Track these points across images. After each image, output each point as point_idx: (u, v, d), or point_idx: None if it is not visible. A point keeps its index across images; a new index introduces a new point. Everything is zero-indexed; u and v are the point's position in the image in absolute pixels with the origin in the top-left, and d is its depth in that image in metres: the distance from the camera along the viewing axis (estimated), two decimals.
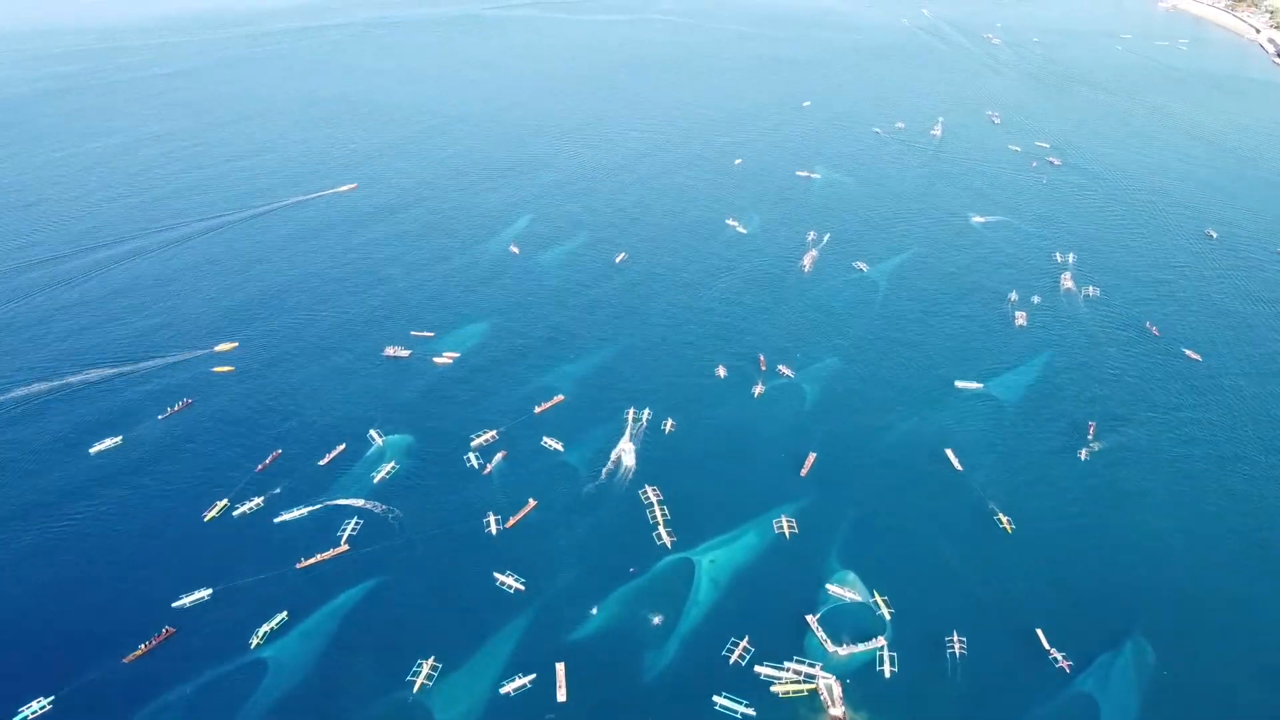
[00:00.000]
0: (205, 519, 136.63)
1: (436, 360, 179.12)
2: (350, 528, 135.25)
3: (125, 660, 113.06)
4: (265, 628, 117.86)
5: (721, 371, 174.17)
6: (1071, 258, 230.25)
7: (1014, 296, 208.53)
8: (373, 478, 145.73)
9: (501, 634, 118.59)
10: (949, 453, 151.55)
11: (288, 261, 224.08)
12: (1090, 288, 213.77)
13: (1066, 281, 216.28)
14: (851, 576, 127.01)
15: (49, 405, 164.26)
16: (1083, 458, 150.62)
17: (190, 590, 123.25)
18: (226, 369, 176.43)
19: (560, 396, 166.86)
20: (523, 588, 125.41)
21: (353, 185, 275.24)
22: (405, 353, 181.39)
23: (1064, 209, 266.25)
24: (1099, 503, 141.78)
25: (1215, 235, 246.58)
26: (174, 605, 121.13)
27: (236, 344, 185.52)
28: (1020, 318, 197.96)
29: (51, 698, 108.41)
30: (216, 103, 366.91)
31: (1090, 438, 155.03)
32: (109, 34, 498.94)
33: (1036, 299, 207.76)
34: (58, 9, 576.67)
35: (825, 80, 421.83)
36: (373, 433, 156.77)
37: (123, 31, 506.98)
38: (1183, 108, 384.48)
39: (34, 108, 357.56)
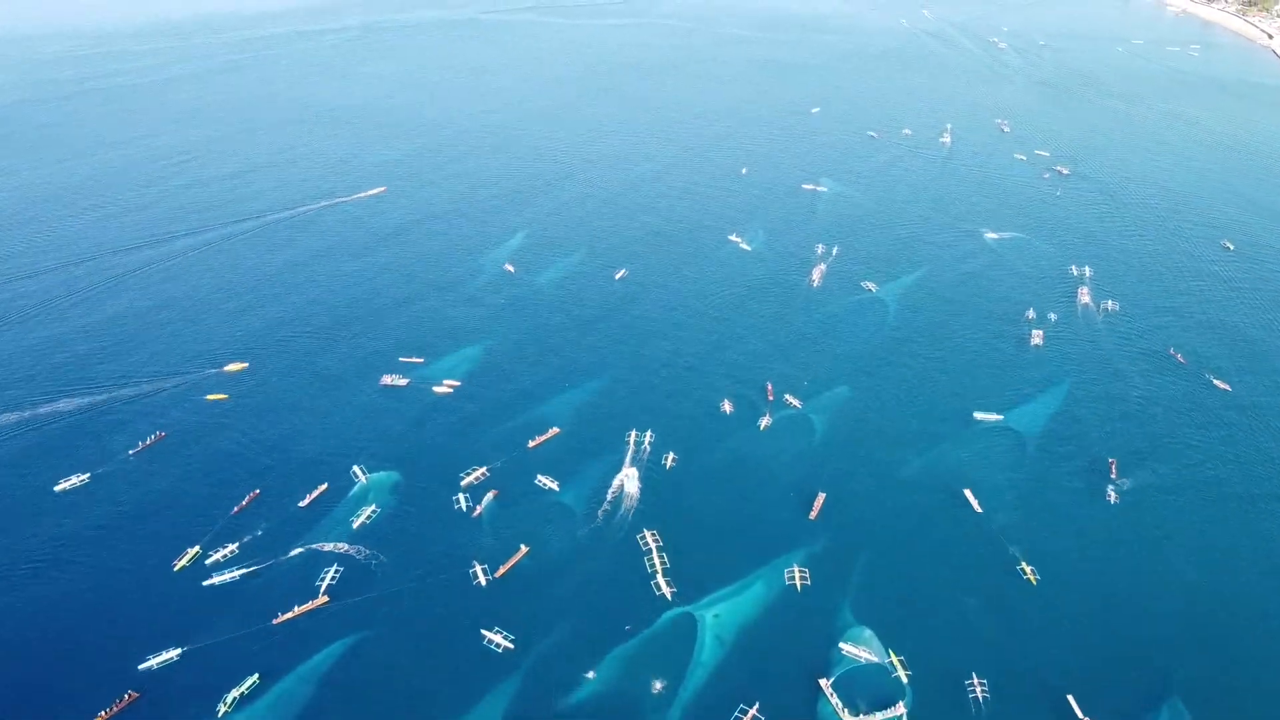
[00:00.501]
0: (175, 568, 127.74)
1: (436, 390, 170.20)
2: (330, 576, 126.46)
3: None
4: (235, 693, 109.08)
5: (727, 406, 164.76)
6: (1088, 271, 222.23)
7: (1031, 314, 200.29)
8: (355, 520, 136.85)
9: (488, 700, 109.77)
10: (967, 493, 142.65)
11: (281, 282, 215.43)
12: (1109, 302, 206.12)
13: (1084, 296, 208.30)
14: (867, 633, 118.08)
15: (13, 436, 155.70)
16: (1110, 499, 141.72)
17: (157, 651, 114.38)
18: (219, 397, 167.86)
19: (555, 429, 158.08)
20: (512, 646, 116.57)
21: (377, 189, 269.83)
22: (403, 381, 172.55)
23: (1077, 221, 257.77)
24: (1126, 549, 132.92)
25: (1232, 247, 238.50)
26: (140, 668, 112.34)
27: (247, 364, 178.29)
28: (1037, 337, 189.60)
29: None
30: (207, 113, 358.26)
31: (1115, 476, 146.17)
32: (103, 38, 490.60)
33: (1053, 316, 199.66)
34: (53, 11, 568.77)
35: (830, 86, 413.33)
36: (356, 470, 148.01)
37: (114, 36, 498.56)
38: (1194, 113, 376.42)
39: (23, 115, 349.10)
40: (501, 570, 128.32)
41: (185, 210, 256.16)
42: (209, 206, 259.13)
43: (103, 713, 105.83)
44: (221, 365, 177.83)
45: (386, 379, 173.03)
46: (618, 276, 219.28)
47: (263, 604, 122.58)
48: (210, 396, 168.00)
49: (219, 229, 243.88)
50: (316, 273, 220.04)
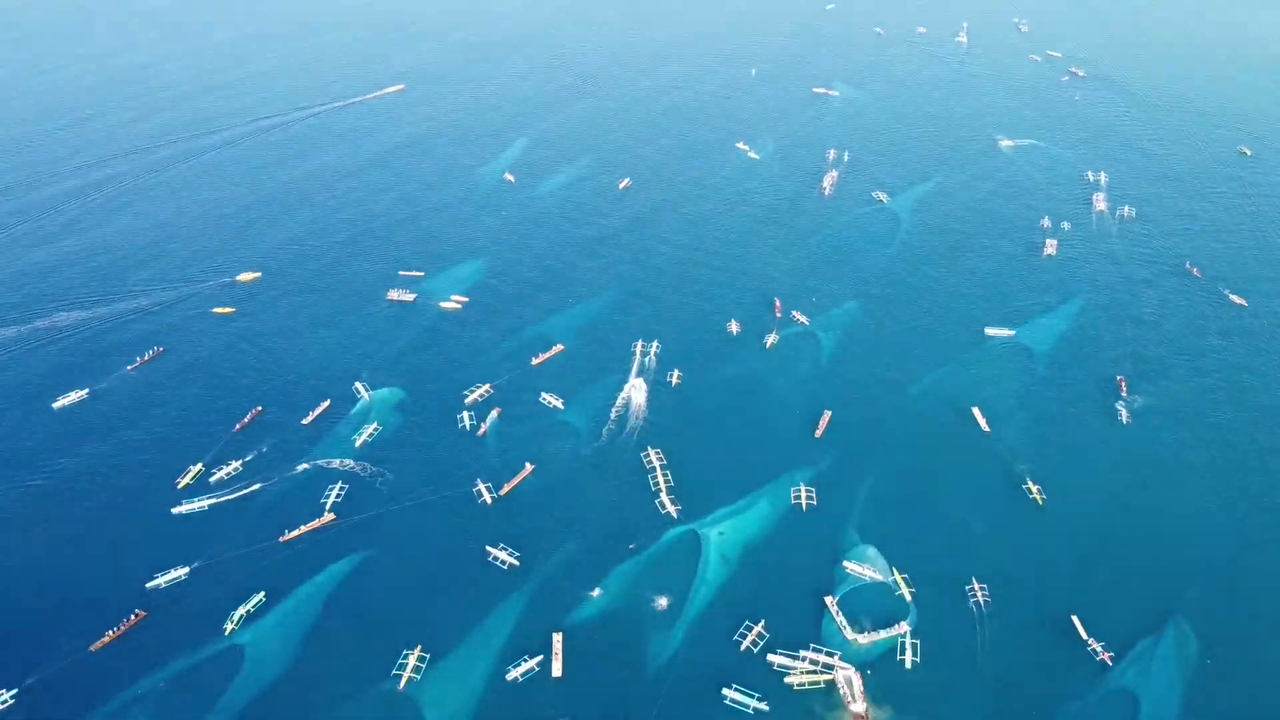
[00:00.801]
0: (178, 486, 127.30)
1: (444, 305, 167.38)
2: (335, 494, 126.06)
3: (92, 648, 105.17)
4: (241, 610, 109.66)
5: (734, 326, 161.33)
6: (1103, 177, 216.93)
7: (1045, 223, 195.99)
8: (358, 438, 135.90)
9: (494, 618, 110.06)
10: (975, 411, 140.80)
11: (291, 193, 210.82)
12: (1125, 208, 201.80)
13: (1099, 203, 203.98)
14: (871, 552, 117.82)
15: (9, 352, 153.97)
16: (1121, 418, 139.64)
17: (164, 569, 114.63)
18: (226, 310, 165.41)
19: (559, 346, 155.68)
20: (517, 563, 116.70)
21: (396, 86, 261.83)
22: (410, 296, 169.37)
23: (1095, 125, 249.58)
24: (1136, 469, 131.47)
25: (1249, 152, 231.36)
26: (148, 586, 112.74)
27: (259, 274, 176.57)
28: (1050, 247, 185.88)
29: (14, 691, 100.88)
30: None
31: (1125, 394, 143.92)
32: None
33: (1067, 225, 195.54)
34: None
35: None
36: (359, 386, 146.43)
37: None
38: (1217, 14, 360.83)
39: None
40: (506, 488, 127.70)
41: (206, 114, 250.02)
42: (226, 111, 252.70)
43: (111, 631, 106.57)
44: (234, 275, 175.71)
45: (393, 294, 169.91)
46: (621, 186, 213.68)
47: (268, 522, 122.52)
48: (217, 310, 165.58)
49: (238, 128, 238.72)
50: (324, 184, 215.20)
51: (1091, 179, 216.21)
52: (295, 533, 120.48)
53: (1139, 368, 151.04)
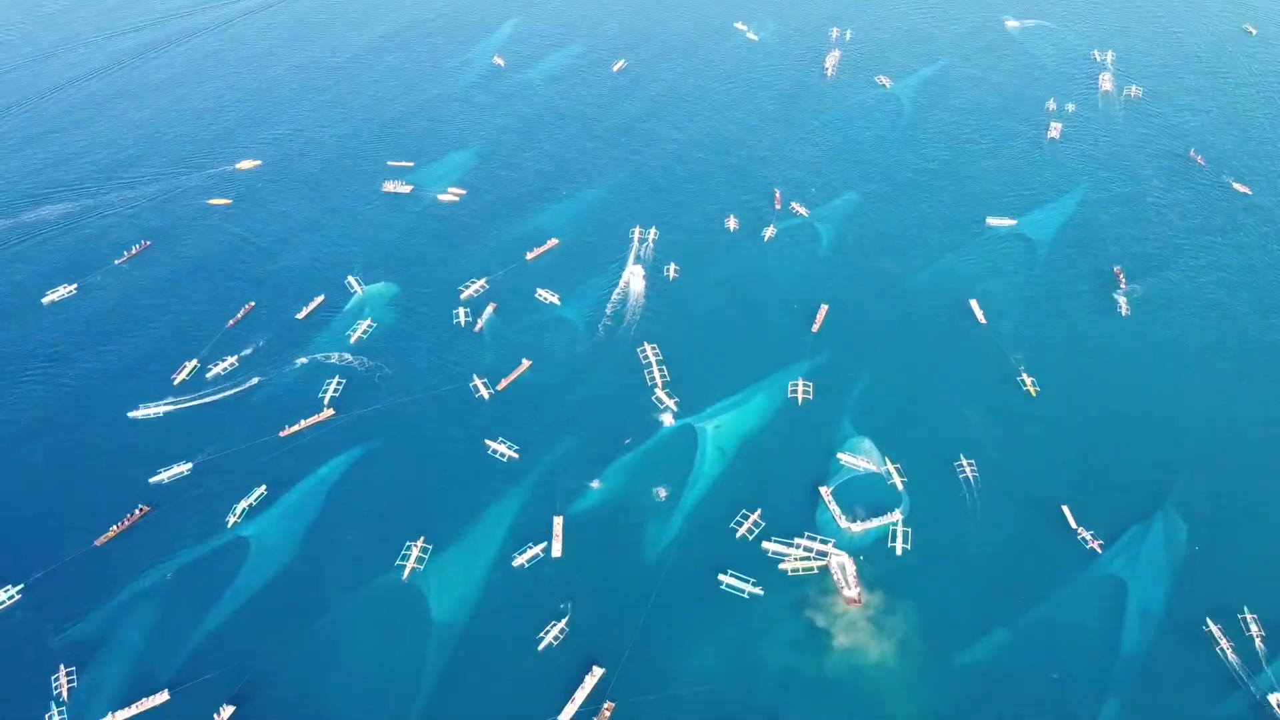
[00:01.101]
0: (175, 382, 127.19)
1: (441, 198, 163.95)
2: (332, 389, 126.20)
3: (97, 543, 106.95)
4: (243, 504, 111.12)
5: (732, 222, 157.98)
6: (1110, 56, 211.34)
7: (1051, 105, 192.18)
8: (354, 333, 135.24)
9: (494, 509, 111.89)
10: (973, 303, 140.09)
11: (278, 81, 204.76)
12: (1133, 87, 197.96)
13: (1105, 83, 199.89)
14: (866, 444, 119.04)
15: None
16: (1119, 309, 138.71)
17: (167, 464, 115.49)
18: (223, 201, 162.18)
19: (554, 240, 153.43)
20: (516, 456, 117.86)
21: None
22: (406, 188, 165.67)
23: (1101, 2, 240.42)
24: (1131, 361, 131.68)
25: (1255, 31, 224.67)
26: (150, 481, 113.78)
27: (260, 161, 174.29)
28: (1054, 129, 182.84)
29: (20, 586, 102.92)
30: None
31: (1124, 285, 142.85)
32: None
33: (1072, 107, 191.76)
34: None
35: None
36: (352, 280, 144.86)
37: None
38: None
39: None
40: (503, 384, 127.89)
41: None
42: None
43: (115, 526, 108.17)
44: (234, 163, 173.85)
45: (389, 185, 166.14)
46: (616, 68, 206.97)
47: (267, 416, 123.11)
48: (213, 201, 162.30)
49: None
50: (314, 75, 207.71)
51: (1098, 59, 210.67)
52: (295, 428, 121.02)
53: (1139, 258, 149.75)
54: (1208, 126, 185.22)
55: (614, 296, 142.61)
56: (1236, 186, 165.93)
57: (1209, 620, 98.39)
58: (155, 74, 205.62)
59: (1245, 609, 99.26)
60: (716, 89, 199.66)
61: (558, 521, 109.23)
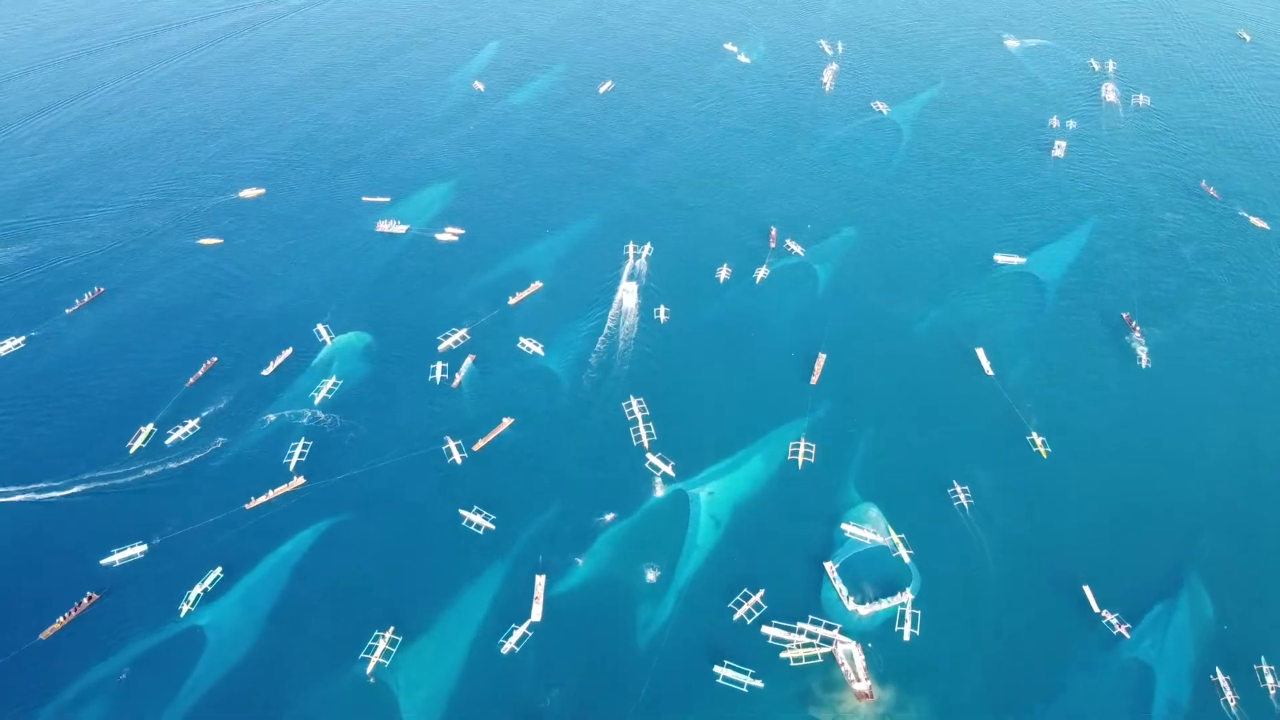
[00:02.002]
0: (130, 450, 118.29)
1: (439, 238, 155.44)
2: (298, 453, 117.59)
3: (43, 636, 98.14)
4: (198, 589, 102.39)
5: (724, 272, 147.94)
6: (1111, 65, 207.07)
7: (1054, 122, 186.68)
8: (322, 390, 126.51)
9: (469, 590, 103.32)
10: (979, 352, 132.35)
11: (250, 109, 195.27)
12: (1140, 96, 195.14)
13: (1108, 93, 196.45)
14: (873, 512, 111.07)
15: None
16: (1134, 358, 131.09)
17: (121, 545, 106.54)
18: (214, 241, 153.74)
19: (538, 284, 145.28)
20: (493, 527, 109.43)
21: None
22: (401, 228, 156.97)
23: (1098, 15, 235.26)
24: (1148, 414, 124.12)
25: (1249, 38, 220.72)
26: (102, 563, 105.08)
27: (263, 189, 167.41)
28: (1059, 148, 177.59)
29: None
30: None
31: (1137, 333, 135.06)
32: None
33: (1073, 124, 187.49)
34: None
35: None
36: (321, 328, 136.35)
37: None
38: None
39: None
40: (481, 444, 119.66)
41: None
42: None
43: (61, 617, 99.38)
44: (237, 190, 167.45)
45: (383, 225, 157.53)
46: (603, 90, 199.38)
47: (230, 486, 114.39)
48: (204, 240, 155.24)
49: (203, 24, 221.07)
50: (290, 101, 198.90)
51: (1096, 68, 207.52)
52: (262, 499, 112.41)
53: (1152, 299, 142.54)
54: (1214, 149, 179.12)
55: (599, 345, 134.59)
56: (1255, 221, 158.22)
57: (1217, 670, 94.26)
58: (111, 101, 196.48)
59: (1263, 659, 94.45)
60: (707, 115, 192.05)
61: (539, 582, 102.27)
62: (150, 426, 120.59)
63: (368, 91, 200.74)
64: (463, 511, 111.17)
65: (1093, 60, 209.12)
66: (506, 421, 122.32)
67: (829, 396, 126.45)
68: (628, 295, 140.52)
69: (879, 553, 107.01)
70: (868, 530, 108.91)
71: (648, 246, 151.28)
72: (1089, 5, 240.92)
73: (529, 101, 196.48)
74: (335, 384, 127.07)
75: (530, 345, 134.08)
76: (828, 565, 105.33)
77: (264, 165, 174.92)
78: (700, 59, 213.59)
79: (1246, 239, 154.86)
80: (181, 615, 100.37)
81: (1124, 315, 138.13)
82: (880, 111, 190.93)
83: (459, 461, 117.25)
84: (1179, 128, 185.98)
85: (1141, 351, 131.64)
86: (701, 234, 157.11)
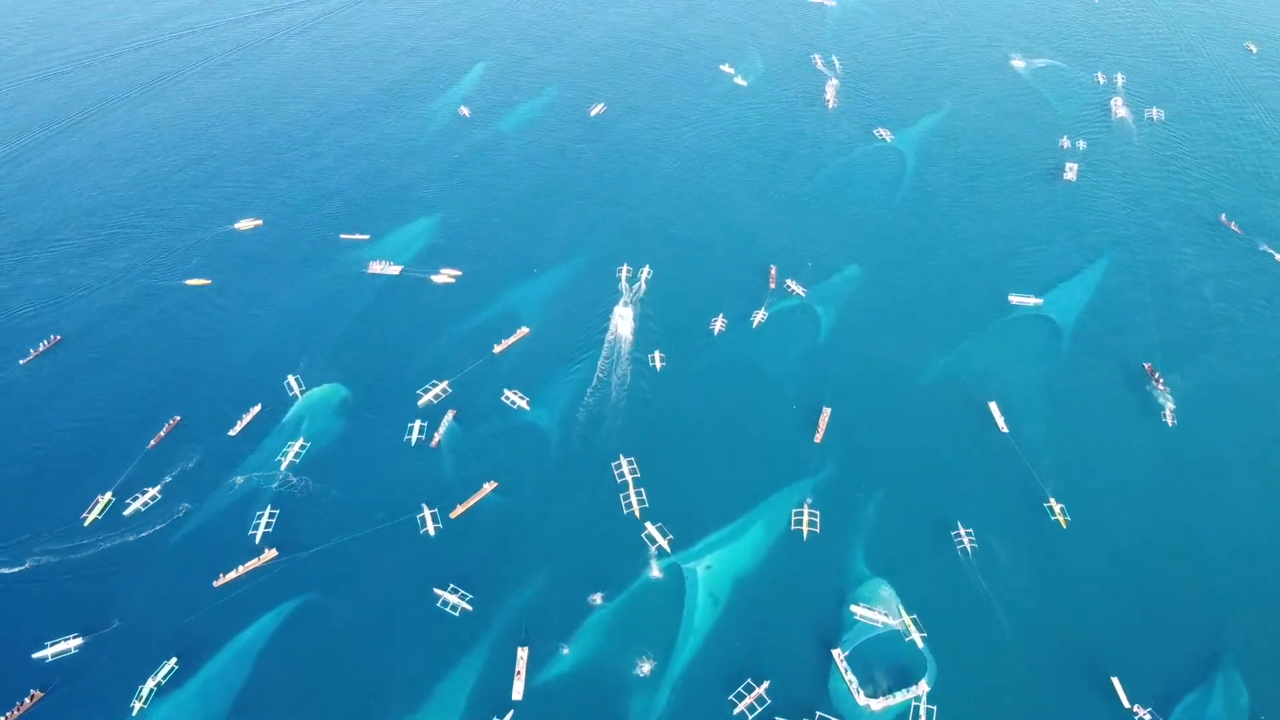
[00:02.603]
0: (86, 523, 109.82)
1: (435, 279, 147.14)
2: (264, 524, 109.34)
3: None
4: (151, 682, 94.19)
5: (718, 324, 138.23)
6: (1120, 79, 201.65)
7: (1065, 143, 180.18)
8: (291, 452, 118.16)
9: (446, 682, 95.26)
10: (992, 406, 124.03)
11: (208, 134, 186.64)
12: (1153, 110, 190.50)
13: (1119, 109, 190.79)
14: (885, 591, 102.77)
15: None
16: (1166, 418, 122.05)
17: (65, 635, 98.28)
18: (202, 282, 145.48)
19: (524, 330, 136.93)
20: (469, 608, 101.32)
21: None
22: (395, 269, 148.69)
23: (1106, 30, 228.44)
24: (1173, 478, 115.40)
25: (1256, 49, 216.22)
26: (36, 656, 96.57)
27: (261, 220, 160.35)
28: (1071, 171, 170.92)
29: None
30: None
31: (1159, 385, 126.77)
32: None
33: (1083, 144, 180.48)
34: None
35: None
36: (291, 381, 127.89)
37: None
38: None
39: None
40: (459, 510, 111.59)
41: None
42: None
43: (3, 718, 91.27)
44: (235, 221, 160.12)
45: (376, 266, 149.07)
46: (594, 112, 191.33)
47: (192, 561, 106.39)
48: (191, 281, 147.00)
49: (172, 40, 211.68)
50: (246, 131, 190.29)
51: (1103, 80, 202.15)
52: (231, 575, 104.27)
53: (1173, 344, 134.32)
54: (1231, 173, 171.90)
55: (588, 397, 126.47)
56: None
57: None
58: (84, 141, 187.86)
59: None
60: (702, 141, 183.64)
61: (521, 655, 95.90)
62: (108, 495, 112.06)
63: (347, 119, 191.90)
64: (438, 591, 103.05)
65: (1100, 74, 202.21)
66: (488, 486, 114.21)
67: (834, 455, 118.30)
68: (622, 322, 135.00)
69: (891, 638, 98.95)
70: (878, 612, 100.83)
71: (646, 269, 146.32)
72: (1095, 22, 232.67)
73: (516, 126, 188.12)
74: (304, 446, 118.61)
75: (515, 398, 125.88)
76: (836, 653, 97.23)
77: (242, 199, 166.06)
78: (696, 81, 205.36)
79: (1272, 279, 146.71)
80: (134, 714, 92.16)
81: (1145, 365, 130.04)
82: (884, 139, 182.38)
83: (432, 533, 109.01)
84: (1194, 146, 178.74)
85: (1167, 406, 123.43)
86: (698, 272, 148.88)
